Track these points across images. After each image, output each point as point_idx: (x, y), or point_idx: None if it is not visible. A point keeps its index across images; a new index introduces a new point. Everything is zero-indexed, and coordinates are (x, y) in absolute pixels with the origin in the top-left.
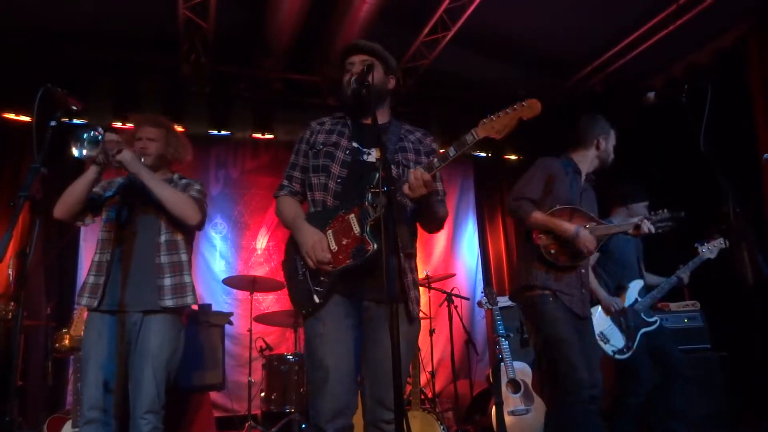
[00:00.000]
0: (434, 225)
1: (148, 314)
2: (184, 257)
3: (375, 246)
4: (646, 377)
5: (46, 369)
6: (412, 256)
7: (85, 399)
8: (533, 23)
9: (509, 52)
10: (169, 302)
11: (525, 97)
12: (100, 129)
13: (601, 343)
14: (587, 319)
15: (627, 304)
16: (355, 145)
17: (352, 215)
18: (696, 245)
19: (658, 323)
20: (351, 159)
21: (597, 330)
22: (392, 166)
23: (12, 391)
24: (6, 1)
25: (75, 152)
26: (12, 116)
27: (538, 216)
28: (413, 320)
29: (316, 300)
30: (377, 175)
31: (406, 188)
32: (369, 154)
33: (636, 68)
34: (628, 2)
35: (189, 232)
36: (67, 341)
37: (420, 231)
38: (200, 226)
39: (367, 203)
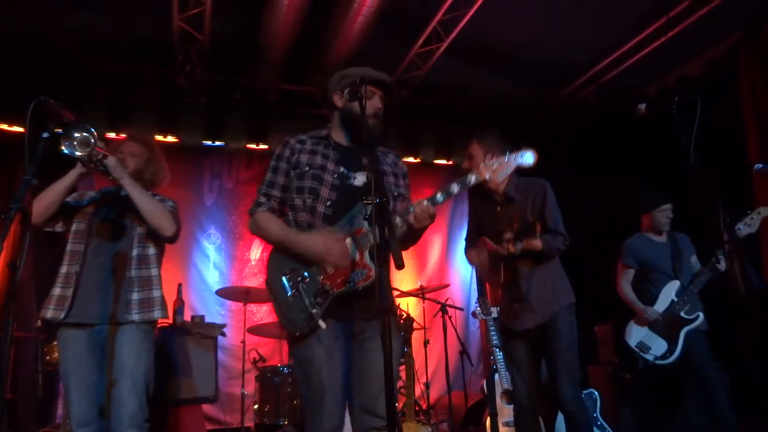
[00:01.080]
0: (411, 245)
1: (120, 326)
2: (154, 272)
3: (378, 271)
4: (716, 382)
5: (36, 382)
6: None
7: (72, 417)
8: (526, 34)
9: (502, 62)
10: (135, 316)
11: (524, 146)
12: (92, 130)
13: (641, 353)
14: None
15: (663, 308)
16: (342, 169)
17: (348, 239)
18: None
19: (700, 318)
20: (339, 183)
21: (635, 340)
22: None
23: (1, 404)
24: (0, 12)
25: (65, 150)
26: (5, 127)
27: None
28: (400, 332)
29: (323, 325)
30: (363, 203)
31: (411, 218)
32: (355, 178)
33: (629, 79)
34: (621, 14)
35: (161, 246)
36: (57, 354)
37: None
38: (174, 238)
39: (365, 229)
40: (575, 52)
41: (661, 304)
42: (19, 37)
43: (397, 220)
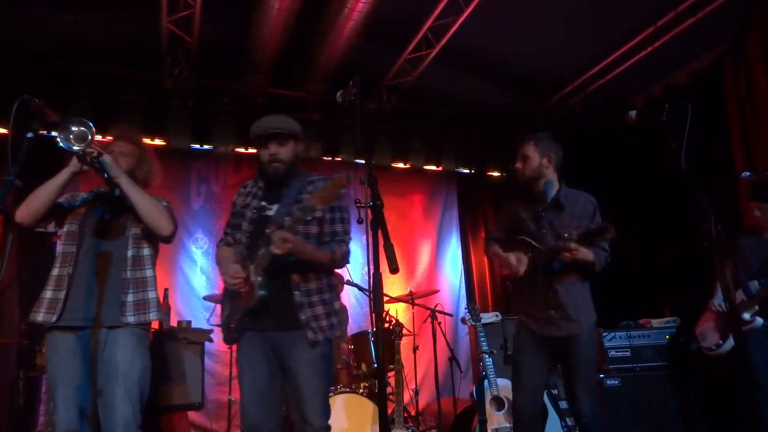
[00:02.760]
0: (330, 268)
1: (113, 329)
2: (149, 273)
3: (261, 293)
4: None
5: (17, 388)
6: (312, 291)
7: (57, 424)
8: (515, 42)
9: (491, 70)
10: (131, 318)
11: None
12: (90, 124)
13: (702, 340)
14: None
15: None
16: (262, 203)
17: (252, 266)
18: None
19: (757, 321)
20: (257, 216)
21: (700, 329)
22: (287, 218)
23: None
24: None
25: (61, 144)
26: None
27: None
28: (315, 344)
29: (231, 337)
30: (267, 231)
31: (273, 248)
32: (271, 209)
33: (616, 88)
34: (608, 24)
35: (155, 247)
36: (39, 360)
37: (405, 247)
38: (171, 237)
39: (261, 252)
40: (563, 61)
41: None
42: (5, 38)
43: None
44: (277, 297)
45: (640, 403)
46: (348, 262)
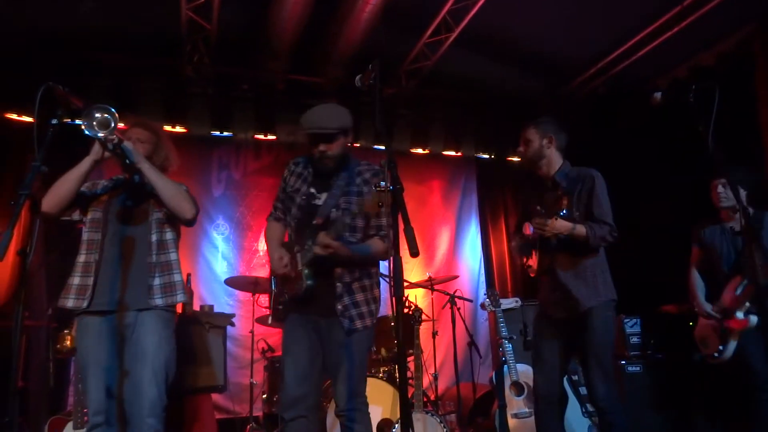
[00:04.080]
0: (371, 263)
1: (141, 312)
2: (173, 256)
3: (308, 283)
4: (760, 368)
5: (47, 370)
6: (355, 280)
7: (89, 405)
8: (536, 25)
9: (512, 53)
10: (159, 301)
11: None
12: (113, 110)
13: (698, 348)
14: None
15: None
16: (311, 190)
17: (299, 254)
18: None
19: (752, 320)
20: (306, 203)
21: (699, 334)
22: (333, 210)
23: (13, 391)
24: (7, 4)
25: (86, 131)
26: (14, 116)
27: None
28: (352, 332)
29: (279, 318)
30: (313, 222)
31: (316, 250)
32: (320, 198)
33: (640, 70)
34: (632, 4)
35: (178, 231)
36: (68, 342)
37: (424, 233)
38: (193, 220)
39: (307, 246)
40: (585, 43)
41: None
42: (27, 28)
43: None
44: (321, 287)
45: (661, 390)
46: (388, 257)
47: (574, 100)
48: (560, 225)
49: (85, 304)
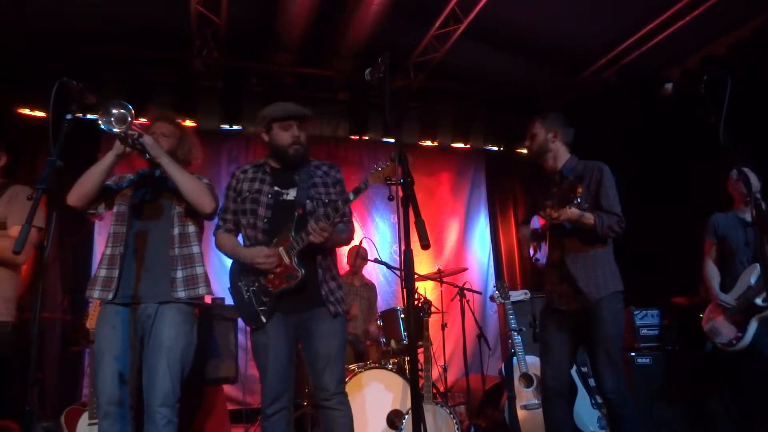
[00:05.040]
0: (345, 245)
1: (163, 305)
2: (195, 249)
3: (303, 272)
4: None
5: (62, 361)
6: (328, 268)
7: (101, 393)
8: (546, 15)
9: (521, 44)
10: (181, 293)
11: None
12: (129, 107)
13: (709, 338)
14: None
15: (738, 293)
16: (275, 188)
17: (281, 248)
18: None
19: None
20: (273, 201)
21: (709, 325)
22: (308, 201)
23: (31, 382)
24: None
25: (102, 126)
26: (27, 112)
27: None
28: (336, 316)
29: (263, 320)
30: (295, 213)
31: (311, 238)
32: (288, 193)
33: (651, 60)
34: None
35: (200, 224)
36: (82, 334)
37: (433, 226)
38: (213, 214)
39: (291, 238)
40: (596, 33)
41: (740, 288)
42: (39, 23)
43: (306, 238)
44: (307, 275)
45: (673, 382)
46: (352, 239)
47: (584, 91)
48: (571, 212)
49: (110, 296)
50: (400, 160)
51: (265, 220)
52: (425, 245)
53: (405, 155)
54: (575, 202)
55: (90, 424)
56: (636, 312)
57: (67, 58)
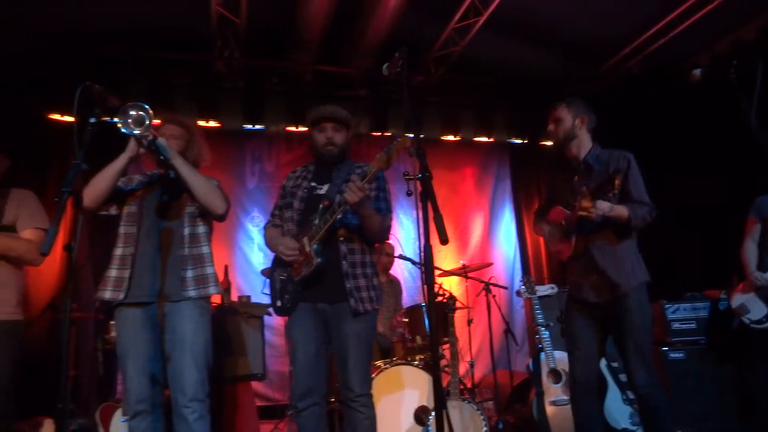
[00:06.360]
0: (377, 236)
1: (175, 303)
2: (205, 249)
3: (319, 260)
4: None
5: (96, 359)
6: (357, 264)
7: (130, 392)
8: (567, 5)
9: (543, 35)
10: (192, 293)
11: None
12: (147, 107)
13: (739, 315)
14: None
15: None
16: (312, 184)
17: (305, 238)
18: None
19: None
20: (307, 195)
21: (738, 302)
22: (337, 195)
23: (63, 380)
24: (42, 5)
25: (122, 129)
26: (57, 117)
27: None
28: (358, 314)
29: (278, 304)
30: (321, 205)
31: (346, 195)
32: (321, 188)
33: (677, 48)
34: None
35: (210, 225)
36: (114, 333)
37: (457, 221)
38: (225, 215)
39: (312, 228)
40: (619, 21)
41: None
42: (61, 27)
43: (340, 198)
44: (328, 266)
45: (705, 377)
46: (387, 237)
47: (608, 81)
48: (605, 205)
49: (121, 296)
50: (418, 154)
51: (299, 212)
52: (444, 240)
53: (423, 149)
54: (612, 195)
55: (124, 420)
56: (667, 306)
57: (91, 62)
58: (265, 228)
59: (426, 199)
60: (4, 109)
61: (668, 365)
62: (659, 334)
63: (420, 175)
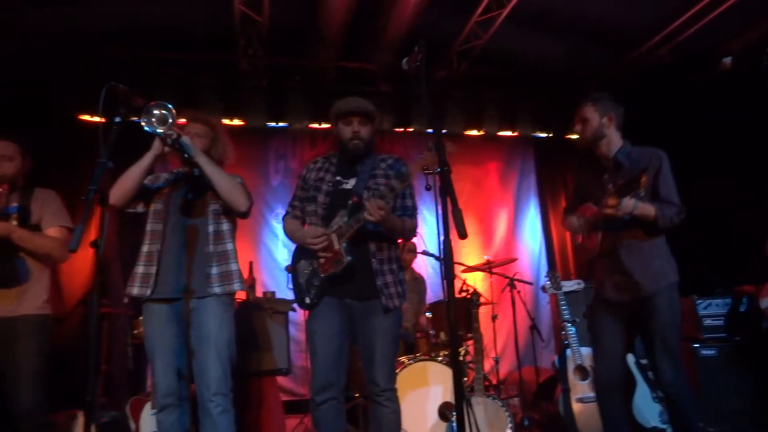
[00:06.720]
0: (404, 237)
1: (201, 299)
2: (229, 246)
3: (349, 259)
4: None
5: (126, 354)
6: (384, 261)
7: (157, 386)
8: None
9: (568, 26)
10: (217, 289)
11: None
12: (170, 107)
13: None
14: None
15: None
16: (337, 178)
17: (333, 235)
18: None
19: None
20: (333, 189)
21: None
22: (365, 191)
23: (92, 374)
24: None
25: (146, 128)
26: (87, 118)
27: None
28: (388, 311)
29: (307, 300)
30: (349, 202)
31: (366, 215)
32: (347, 183)
33: (708, 36)
34: None
35: (234, 222)
36: (142, 328)
37: (481, 216)
38: (248, 213)
39: (343, 224)
40: (647, 10)
41: None
42: (86, 30)
43: (361, 215)
44: (357, 263)
45: (737, 375)
46: (415, 235)
47: (636, 72)
48: (630, 203)
49: (148, 292)
50: (437, 148)
51: (324, 206)
52: (462, 235)
53: (443, 143)
54: (639, 193)
55: (153, 414)
56: (699, 301)
57: (120, 65)
58: (285, 219)
59: (445, 193)
60: (36, 110)
61: (699, 362)
62: (690, 330)
63: (439, 169)
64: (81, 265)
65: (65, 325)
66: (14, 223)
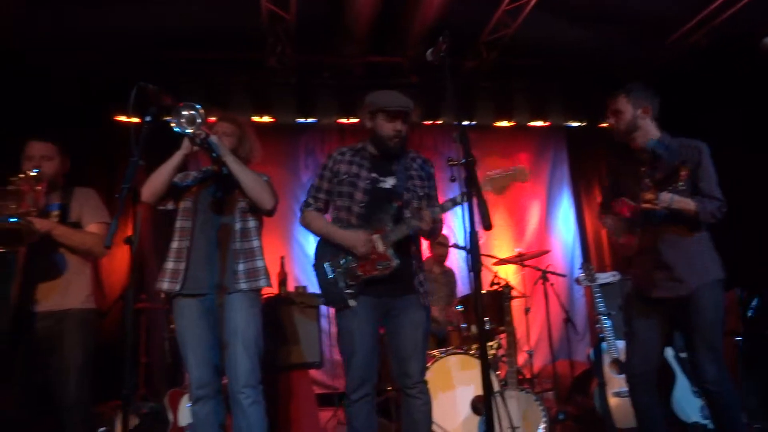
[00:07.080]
0: (433, 239)
1: (229, 294)
2: (256, 243)
3: (398, 262)
4: None
5: (164, 348)
6: (419, 261)
7: (192, 379)
8: None
9: (599, 12)
10: (243, 285)
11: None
12: (198, 107)
13: None
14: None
15: None
16: (374, 175)
17: (377, 236)
18: None
19: None
20: (371, 187)
21: None
22: (405, 192)
23: (129, 368)
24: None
25: (176, 128)
26: (123, 118)
27: None
28: (424, 307)
29: (352, 304)
30: (394, 204)
31: (423, 225)
32: (385, 181)
33: (746, 18)
34: None
35: (260, 219)
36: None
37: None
38: (273, 210)
39: (388, 228)
40: None
41: None
42: (117, 33)
43: (413, 222)
44: (400, 266)
45: None
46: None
47: (671, 58)
48: (667, 197)
49: (177, 287)
50: (461, 139)
51: (362, 204)
52: (487, 226)
53: (466, 134)
54: (679, 187)
55: (189, 406)
56: (743, 295)
57: (150, 64)
58: (305, 211)
59: (470, 184)
60: (73, 111)
61: (743, 357)
62: (733, 323)
63: (464, 160)
64: (120, 261)
65: (107, 319)
66: (55, 220)
